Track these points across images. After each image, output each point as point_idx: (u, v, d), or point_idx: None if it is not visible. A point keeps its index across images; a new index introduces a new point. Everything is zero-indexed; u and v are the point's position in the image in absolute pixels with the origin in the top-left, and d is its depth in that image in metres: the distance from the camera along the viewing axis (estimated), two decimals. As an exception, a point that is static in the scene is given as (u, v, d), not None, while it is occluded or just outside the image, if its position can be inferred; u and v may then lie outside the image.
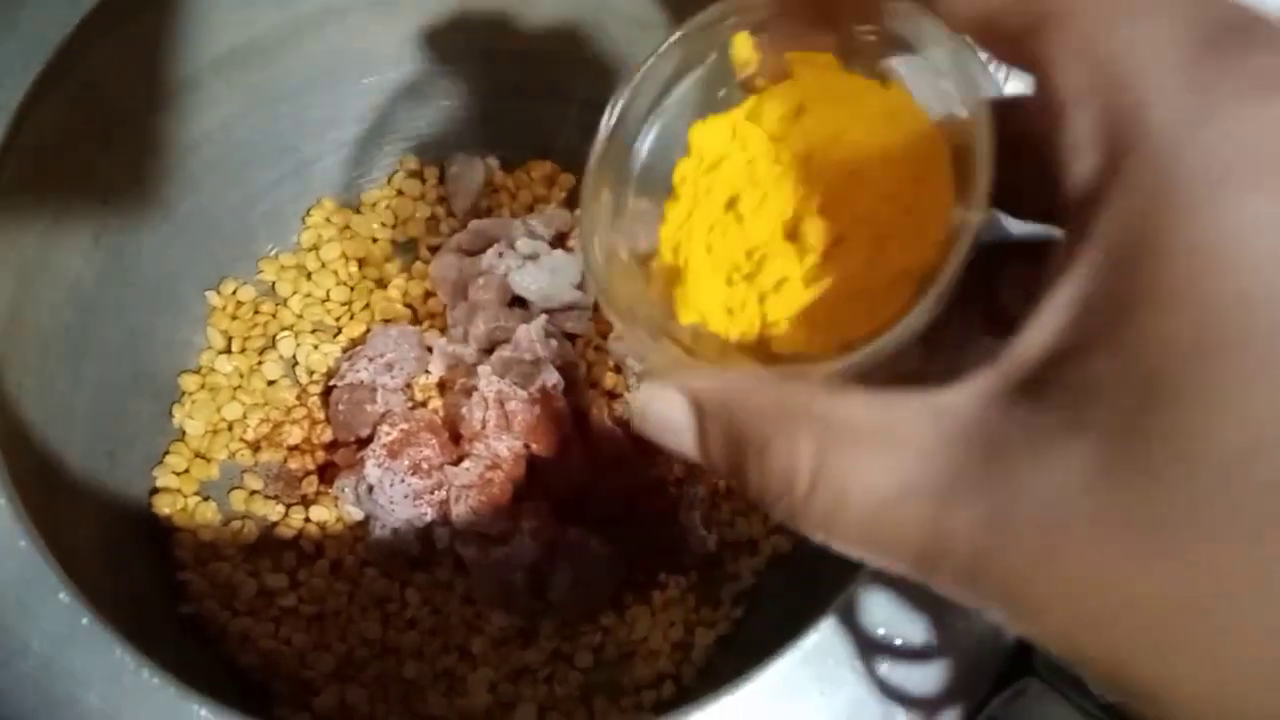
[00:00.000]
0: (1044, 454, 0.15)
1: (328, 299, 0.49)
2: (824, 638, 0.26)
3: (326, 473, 0.46)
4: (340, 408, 0.45)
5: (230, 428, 0.46)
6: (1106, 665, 0.15)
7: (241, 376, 0.47)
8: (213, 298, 0.48)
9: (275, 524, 0.45)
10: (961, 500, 0.15)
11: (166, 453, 0.45)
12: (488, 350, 0.47)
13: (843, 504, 0.16)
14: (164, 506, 0.44)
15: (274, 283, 0.49)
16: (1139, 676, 0.15)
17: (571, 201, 0.52)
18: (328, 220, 0.50)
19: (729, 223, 0.22)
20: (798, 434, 0.17)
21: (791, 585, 0.45)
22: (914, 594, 0.27)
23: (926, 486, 0.16)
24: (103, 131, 0.40)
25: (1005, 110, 0.18)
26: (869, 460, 0.16)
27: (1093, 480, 0.14)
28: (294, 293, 0.49)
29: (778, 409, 0.17)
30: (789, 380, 0.18)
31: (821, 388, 0.17)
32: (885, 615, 0.26)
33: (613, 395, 0.47)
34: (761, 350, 0.21)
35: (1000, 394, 0.16)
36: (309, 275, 0.49)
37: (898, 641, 0.26)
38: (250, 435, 0.46)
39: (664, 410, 0.19)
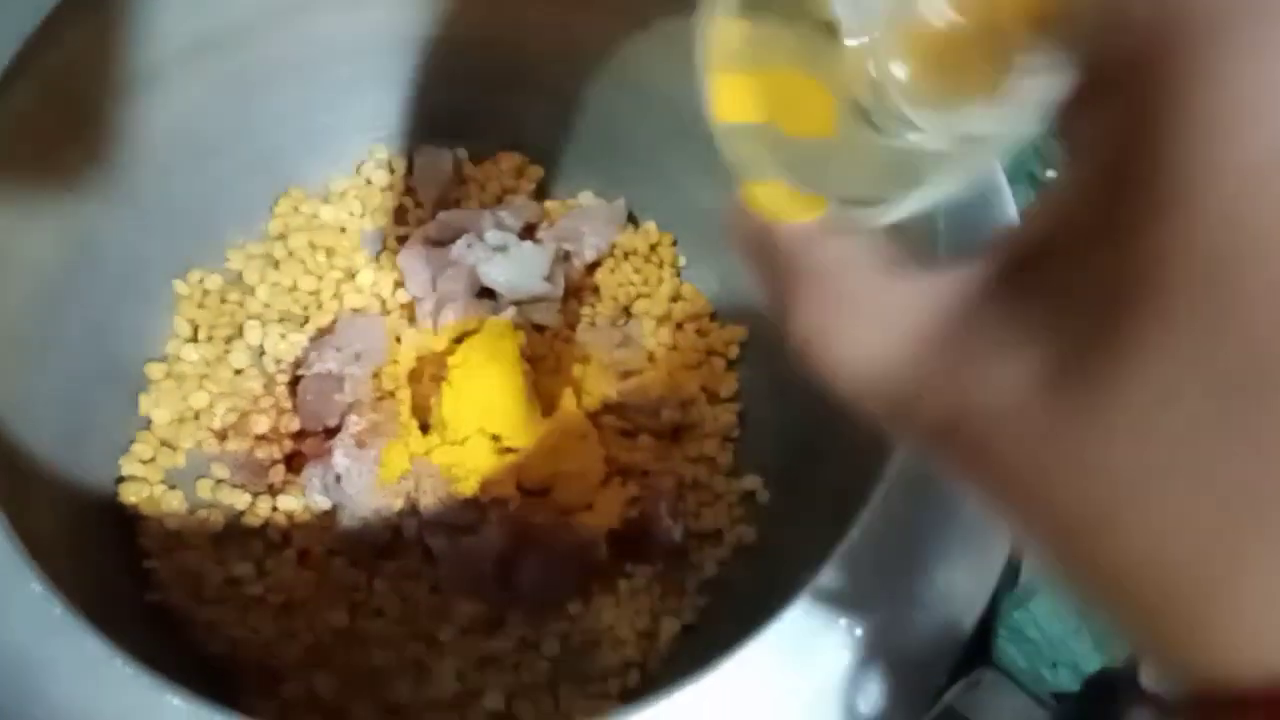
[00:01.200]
0: (1009, 348, 0.15)
1: (295, 288, 0.49)
2: (789, 625, 0.27)
3: (293, 462, 0.46)
4: (308, 397, 0.45)
5: (197, 417, 0.46)
6: (1055, 545, 0.15)
7: (208, 365, 0.47)
8: (180, 286, 0.48)
9: (242, 513, 0.45)
10: (929, 383, 0.16)
11: (133, 441, 0.45)
12: (457, 341, 0.47)
13: (833, 367, 0.18)
14: (130, 495, 0.44)
15: (241, 271, 0.49)
16: (1084, 551, 0.15)
17: (540, 193, 0.53)
18: (295, 209, 0.50)
19: None
20: (810, 295, 0.18)
21: (755, 575, 0.46)
22: (875, 581, 0.28)
23: (905, 361, 0.17)
24: (69, 120, 0.39)
25: None
26: (859, 332, 0.18)
27: (1042, 388, 0.15)
28: (261, 281, 0.49)
29: (802, 264, 0.19)
30: (834, 234, 0.19)
31: (845, 252, 0.18)
32: (846, 604, 0.27)
33: (580, 386, 0.48)
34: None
35: (988, 281, 0.16)
36: (276, 264, 0.49)
37: (857, 631, 0.27)
38: (217, 424, 0.46)
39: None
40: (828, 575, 0.27)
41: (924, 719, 0.28)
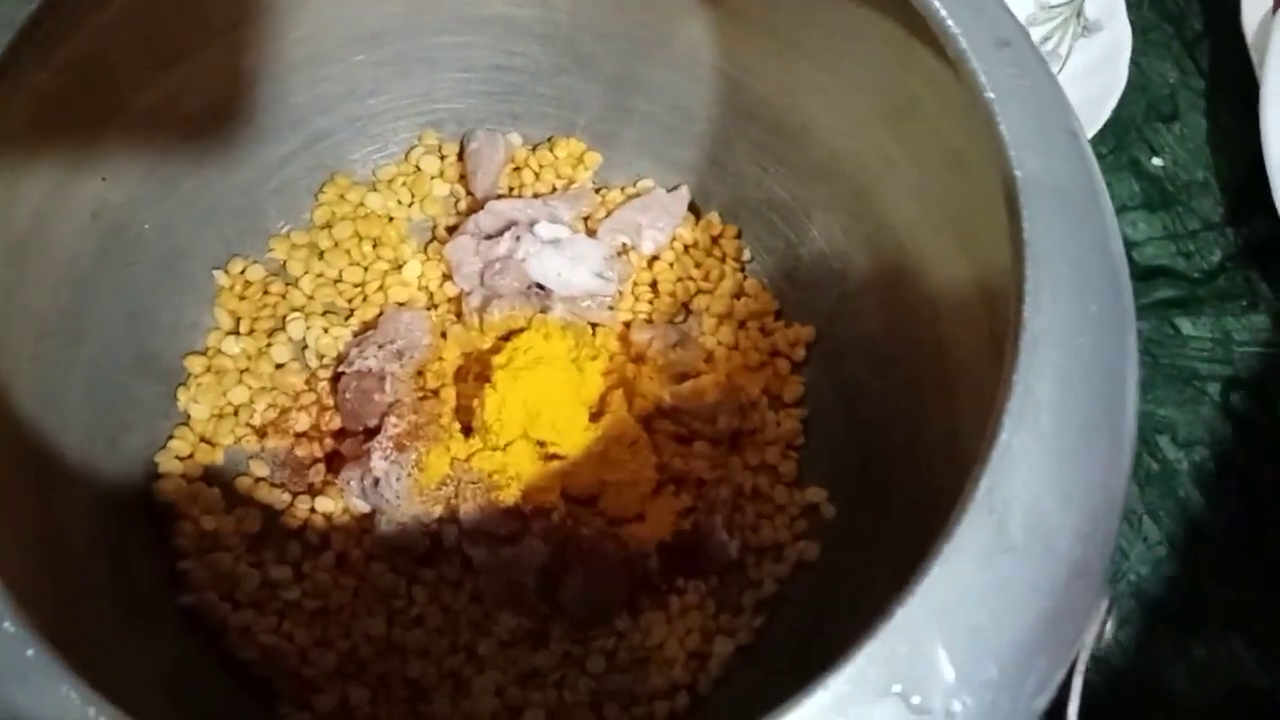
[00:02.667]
0: None
1: (340, 280, 0.47)
2: (833, 693, 0.23)
3: (334, 462, 0.44)
4: (347, 396, 0.43)
5: (236, 412, 0.45)
6: None
7: (249, 359, 0.45)
8: (220, 277, 0.46)
9: (280, 513, 0.44)
10: None
11: (170, 437, 0.44)
12: (504, 339, 0.45)
13: None
14: (166, 493, 0.43)
15: (285, 262, 0.47)
16: None
17: (597, 182, 0.50)
18: (341, 197, 0.48)
19: None
20: None
21: (816, 595, 0.43)
22: (937, 644, 0.24)
23: None
24: (99, 103, 0.38)
25: None
26: None
27: None
28: (305, 273, 0.47)
29: None
30: None
31: None
32: (902, 668, 0.24)
33: (633, 388, 0.45)
34: None
35: None
36: (321, 254, 0.47)
37: (915, 700, 0.23)
38: (257, 420, 0.45)
39: None
40: (886, 636, 0.24)
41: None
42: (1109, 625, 0.27)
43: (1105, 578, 0.27)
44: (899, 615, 0.24)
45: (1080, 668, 0.27)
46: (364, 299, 0.47)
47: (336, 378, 0.45)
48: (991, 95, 0.29)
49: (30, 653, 0.22)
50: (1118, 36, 0.54)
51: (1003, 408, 0.26)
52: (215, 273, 0.46)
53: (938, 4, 0.31)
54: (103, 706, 0.22)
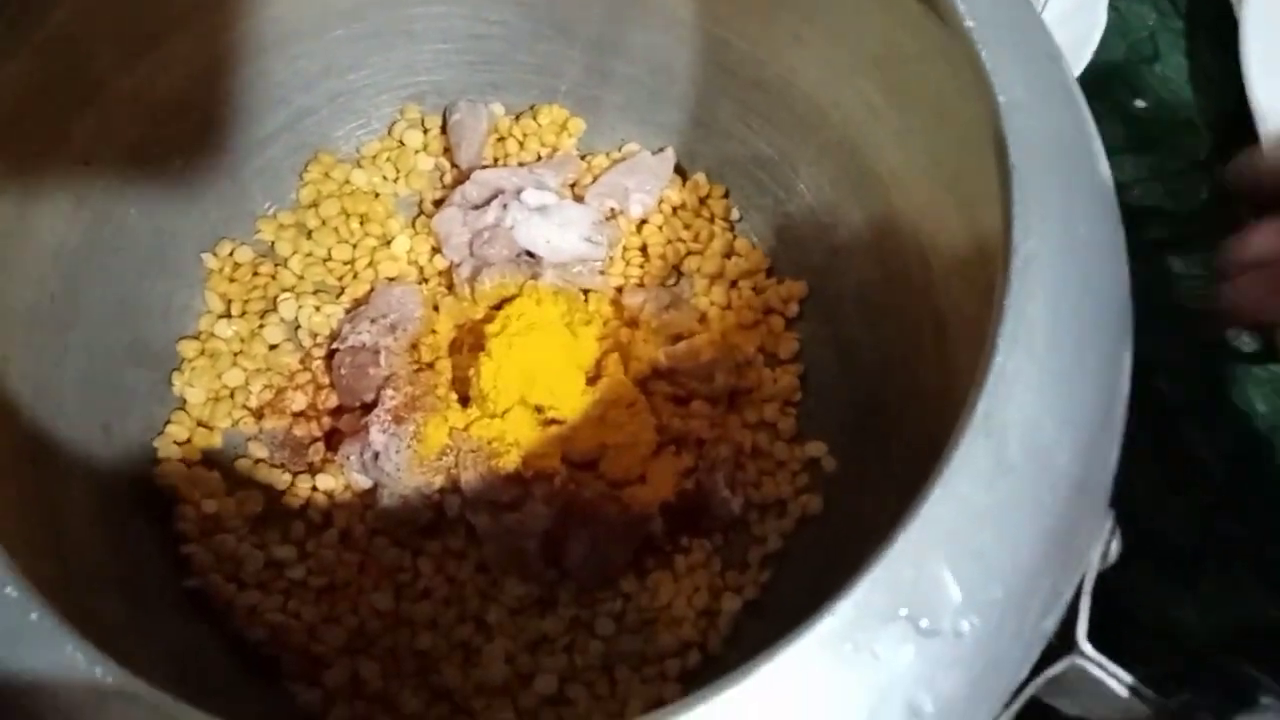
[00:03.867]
0: None
1: (329, 258, 0.47)
2: (843, 617, 0.23)
3: (333, 439, 0.44)
4: (343, 372, 0.43)
5: (232, 395, 0.45)
6: None
7: (242, 341, 0.45)
8: (209, 260, 0.46)
9: (282, 493, 0.44)
10: None
11: (167, 422, 0.44)
12: (496, 308, 0.45)
13: None
14: (166, 478, 0.43)
15: (273, 242, 0.47)
16: None
17: (582, 148, 0.50)
18: (326, 175, 0.48)
19: None
20: None
21: (822, 548, 0.43)
22: (943, 567, 0.24)
23: None
24: (77, 91, 0.38)
25: None
26: None
27: None
28: (294, 252, 0.47)
29: None
30: None
31: None
32: (909, 591, 0.24)
33: (628, 351, 0.45)
34: None
35: None
36: (309, 234, 0.47)
37: (922, 622, 0.23)
38: (253, 402, 0.45)
39: None
40: (889, 561, 0.24)
41: (1004, 715, 0.25)
42: (1114, 545, 0.27)
43: (1107, 497, 0.27)
44: (901, 540, 0.24)
45: (1087, 588, 0.27)
46: (354, 276, 0.47)
47: (331, 355, 0.45)
48: (971, 24, 0.29)
49: (34, 616, 0.22)
50: (1096, -21, 0.54)
51: (996, 331, 0.26)
52: (204, 256, 0.46)
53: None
54: (108, 666, 0.22)
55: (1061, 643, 0.27)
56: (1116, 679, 0.26)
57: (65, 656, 0.22)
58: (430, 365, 0.44)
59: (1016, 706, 0.26)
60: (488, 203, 0.46)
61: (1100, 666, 0.26)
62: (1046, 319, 0.26)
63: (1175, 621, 0.46)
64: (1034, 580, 0.25)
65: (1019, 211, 0.27)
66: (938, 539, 0.24)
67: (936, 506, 0.24)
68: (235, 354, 0.45)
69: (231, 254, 0.46)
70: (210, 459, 0.44)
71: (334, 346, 0.44)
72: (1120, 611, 0.46)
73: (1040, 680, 0.25)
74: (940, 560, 0.24)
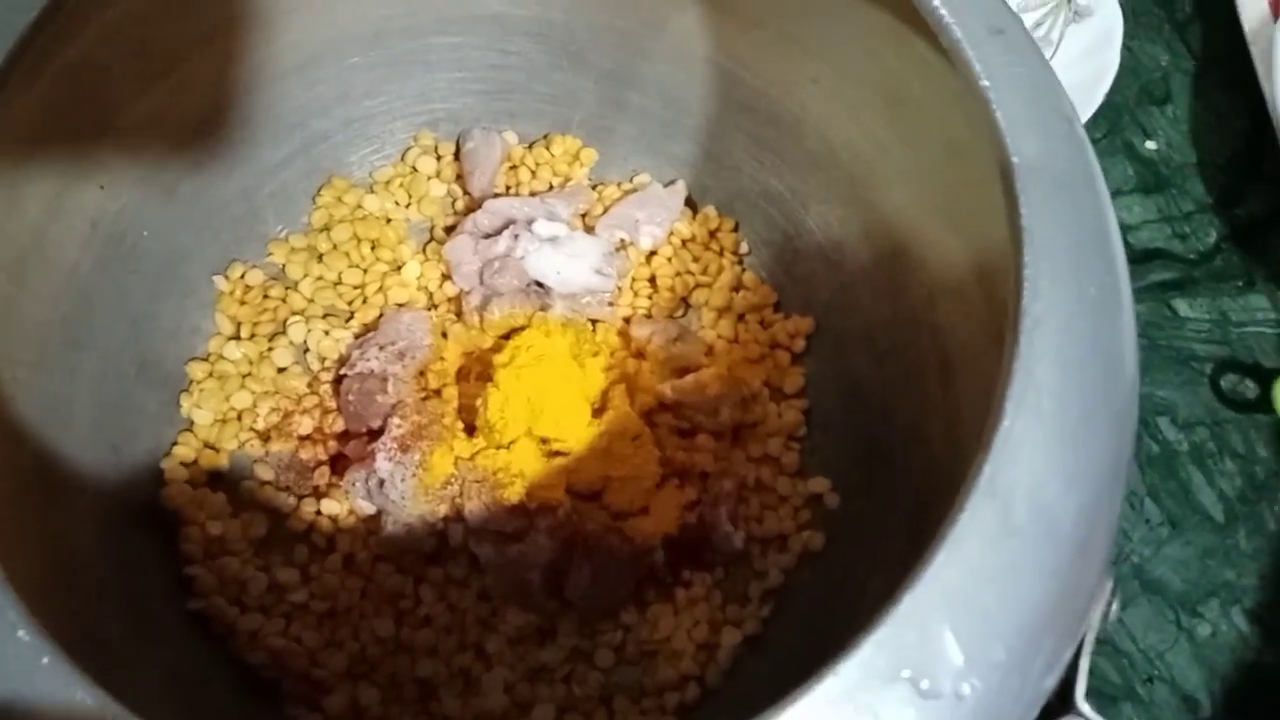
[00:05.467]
0: None
1: (340, 282, 0.47)
2: (844, 680, 0.24)
3: (338, 463, 0.45)
4: (350, 398, 0.44)
5: (240, 417, 0.45)
6: None
7: (251, 364, 0.46)
8: (220, 282, 0.46)
9: (286, 516, 0.44)
10: None
11: (174, 443, 0.44)
12: (505, 337, 0.45)
13: None
14: (172, 499, 0.43)
15: (284, 265, 0.47)
16: None
17: (594, 178, 0.50)
18: (339, 200, 0.48)
19: None
20: None
21: (823, 584, 0.43)
22: (946, 628, 0.25)
23: None
24: (94, 115, 0.38)
25: None
26: None
27: None
28: (305, 276, 0.47)
29: None
30: None
31: None
32: (912, 653, 0.24)
33: (634, 383, 0.45)
34: None
35: None
36: (320, 258, 0.47)
37: (923, 684, 0.24)
38: (260, 425, 0.45)
39: None
40: (893, 622, 0.24)
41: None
42: (1114, 605, 0.28)
43: (1109, 557, 0.27)
44: (906, 601, 0.24)
45: (1087, 648, 0.27)
46: (364, 301, 0.47)
47: (339, 380, 0.45)
48: (987, 83, 0.29)
49: (45, 660, 0.23)
50: (1109, 21, 0.55)
51: (1004, 393, 0.26)
52: (215, 278, 0.46)
53: (931, -7, 0.31)
54: (119, 711, 0.22)
55: (1060, 702, 0.27)
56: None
57: (76, 703, 0.22)
58: (437, 393, 0.44)
59: (1015, 766, 0.26)
60: (499, 231, 0.46)
61: (1097, 725, 0.26)
62: (1054, 381, 0.26)
63: (1171, 666, 0.46)
64: (1036, 642, 0.25)
65: (1029, 274, 0.27)
66: (941, 601, 0.24)
67: (941, 569, 0.24)
68: (244, 376, 0.45)
69: (243, 276, 0.46)
70: (216, 481, 0.44)
71: (342, 372, 0.45)
72: (1119, 654, 0.46)
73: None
74: (943, 622, 0.24)
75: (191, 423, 0.44)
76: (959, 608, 0.24)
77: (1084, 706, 0.26)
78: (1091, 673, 0.28)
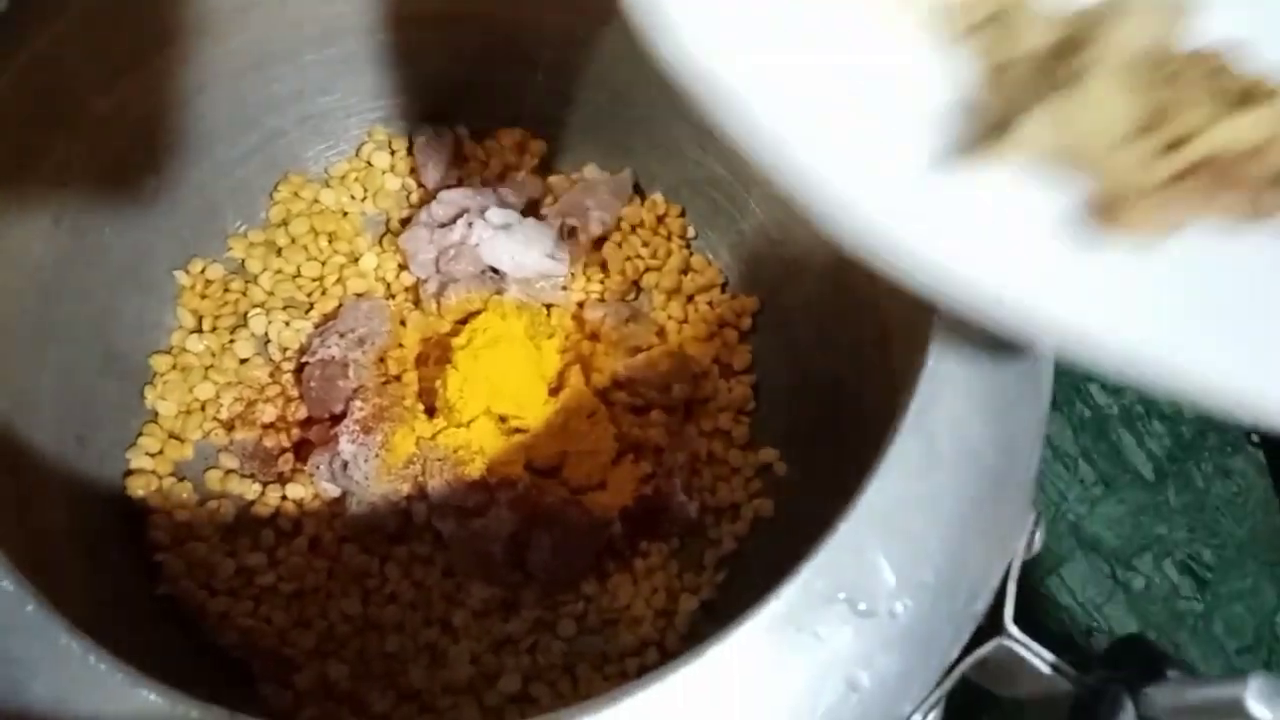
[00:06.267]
0: None
1: (299, 275, 0.48)
2: (787, 601, 0.25)
3: (302, 450, 0.46)
4: (312, 384, 0.45)
5: (203, 407, 0.46)
6: None
7: (213, 356, 0.47)
8: (181, 277, 0.47)
9: (252, 503, 0.45)
10: None
11: (139, 434, 0.45)
12: (462, 322, 0.47)
13: None
14: (138, 488, 0.44)
15: (243, 260, 0.48)
16: None
17: (543, 168, 0.52)
18: (296, 195, 0.49)
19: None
20: None
21: (774, 549, 0.45)
22: (881, 554, 0.26)
23: None
24: (55, 112, 0.39)
25: None
26: None
27: None
28: (264, 269, 0.48)
29: None
30: None
31: None
32: (849, 577, 0.26)
33: (589, 363, 0.47)
34: None
35: None
36: (279, 251, 0.48)
37: (860, 605, 0.25)
38: (224, 414, 0.46)
39: None
40: (831, 549, 0.26)
41: (936, 693, 0.27)
42: (1037, 537, 0.30)
43: (1030, 491, 0.29)
44: (842, 529, 0.26)
45: (1013, 576, 0.29)
46: (323, 292, 0.48)
47: (300, 369, 0.46)
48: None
49: (29, 608, 0.24)
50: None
51: (930, 335, 0.28)
52: (176, 273, 0.47)
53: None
54: (101, 654, 0.23)
55: (991, 626, 0.29)
56: (1040, 659, 0.28)
57: (60, 647, 0.23)
58: (398, 378, 0.46)
59: (948, 685, 0.28)
60: (453, 221, 0.47)
61: (1026, 647, 0.28)
62: (976, 330, 0.28)
63: (1109, 617, 0.48)
64: (962, 565, 0.27)
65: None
66: (874, 527, 0.26)
67: (874, 498, 0.26)
68: (206, 368, 0.46)
69: (203, 271, 0.47)
70: (182, 470, 0.45)
71: (303, 360, 0.46)
72: (1059, 608, 0.48)
73: (970, 660, 0.27)
74: (876, 547, 0.26)
75: (156, 414, 0.45)
76: (890, 533, 0.26)
77: (1013, 629, 0.28)
78: (1033, 625, 0.30)
